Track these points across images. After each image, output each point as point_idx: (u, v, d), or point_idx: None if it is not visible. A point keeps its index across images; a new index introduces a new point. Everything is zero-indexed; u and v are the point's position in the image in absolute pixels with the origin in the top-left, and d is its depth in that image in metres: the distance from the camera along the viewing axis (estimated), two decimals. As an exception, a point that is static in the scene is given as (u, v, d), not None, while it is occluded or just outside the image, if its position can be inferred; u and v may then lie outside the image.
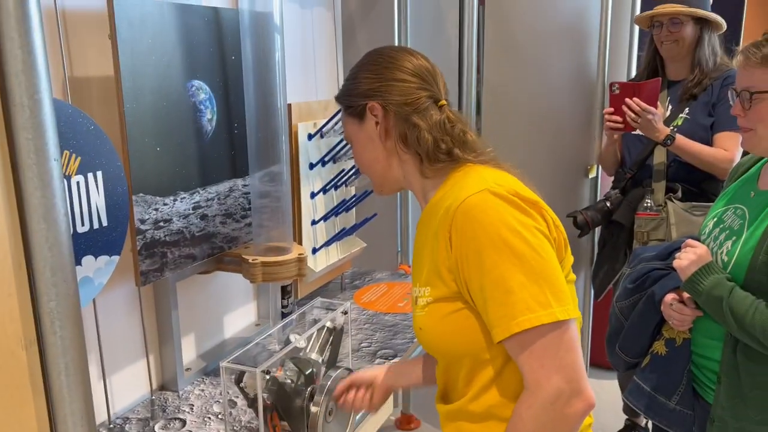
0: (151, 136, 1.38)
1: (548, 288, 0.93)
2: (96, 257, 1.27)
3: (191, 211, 1.51)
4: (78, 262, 1.23)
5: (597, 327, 2.84)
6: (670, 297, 1.45)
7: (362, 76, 1.10)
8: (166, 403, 1.56)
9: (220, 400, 1.56)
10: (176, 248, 1.48)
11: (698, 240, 1.49)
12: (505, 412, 1.01)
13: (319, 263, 2.02)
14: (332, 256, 2.09)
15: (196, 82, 1.49)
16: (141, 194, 1.36)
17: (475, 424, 1.05)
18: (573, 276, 1.09)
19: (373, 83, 1.08)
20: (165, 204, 1.43)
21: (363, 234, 2.23)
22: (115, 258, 1.31)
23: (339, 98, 1.15)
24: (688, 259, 1.39)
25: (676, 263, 1.42)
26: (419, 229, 1.11)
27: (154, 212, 1.40)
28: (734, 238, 1.40)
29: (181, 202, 1.48)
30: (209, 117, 1.54)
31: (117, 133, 1.32)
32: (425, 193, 1.11)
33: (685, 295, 1.43)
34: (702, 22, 2.13)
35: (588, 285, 2.55)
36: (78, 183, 1.22)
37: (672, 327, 1.49)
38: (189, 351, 1.72)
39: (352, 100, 1.11)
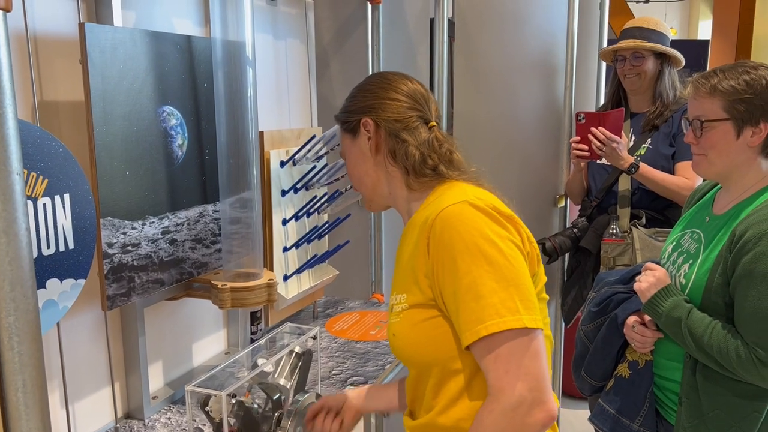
0: (121, 160, 1.39)
1: (518, 296, 0.97)
2: (61, 280, 1.26)
3: (160, 236, 1.51)
4: (42, 285, 1.22)
5: (569, 355, 2.85)
6: (632, 319, 1.48)
7: (359, 95, 1.18)
8: (131, 431, 1.53)
9: (187, 428, 1.53)
10: (144, 273, 1.47)
11: (659, 264, 1.53)
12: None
13: (291, 290, 2.02)
14: (304, 283, 2.10)
15: (168, 108, 1.51)
16: (109, 218, 1.36)
17: None
18: (546, 296, 1.12)
19: (367, 101, 1.16)
20: (133, 228, 1.43)
21: (336, 263, 2.24)
22: (81, 281, 1.31)
23: (337, 116, 1.23)
24: (648, 281, 1.42)
25: (636, 286, 1.45)
26: (401, 242, 1.16)
27: (122, 236, 1.40)
28: (691, 261, 1.44)
29: (150, 226, 1.48)
30: (180, 142, 1.56)
31: (86, 157, 1.33)
32: (409, 206, 1.16)
33: (647, 317, 1.47)
34: (662, 57, 2.22)
35: (559, 312, 2.57)
36: (44, 205, 1.22)
37: (635, 349, 1.51)
38: (156, 379, 1.70)
39: (348, 116, 1.18)
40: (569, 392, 3.19)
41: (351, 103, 1.19)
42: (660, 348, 1.49)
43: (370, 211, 1.24)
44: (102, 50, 1.32)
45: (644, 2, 13.75)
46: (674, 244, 1.52)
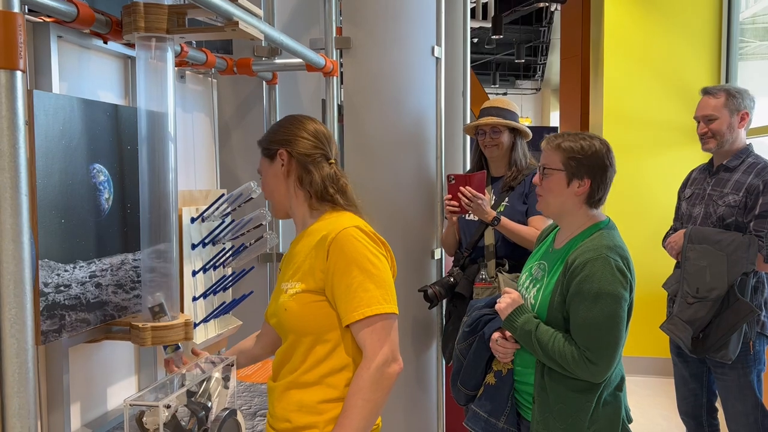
0: (58, 209, 1.56)
1: (389, 293, 1.42)
2: (3, 314, 1.40)
3: (88, 279, 1.67)
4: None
5: (450, 396, 3.12)
6: (495, 335, 1.83)
7: (279, 130, 1.58)
8: (51, 467, 1.62)
9: (108, 460, 1.65)
10: (74, 312, 1.62)
11: (516, 290, 1.90)
12: (332, 381, 1.43)
13: (199, 337, 2.18)
14: (211, 331, 2.27)
15: (97, 166, 1.71)
16: (46, 260, 1.52)
17: (305, 390, 1.44)
18: None
19: (284, 136, 1.54)
20: (65, 270, 1.59)
21: (240, 315, 2.43)
22: (20, 316, 1.44)
23: (261, 142, 1.61)
24: (505, 302, 1.79)
25: (497, 306, 1.81)
26: (296, 244, 1.54)
27: (56, 277, 1.56)
28: (538, 285, 1.82)
29: (80, 270, 1.64)
30: (107, 197, 1.75)
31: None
32: (304, 221, 1.55)
33: (507, 333, 1.81)
34: (515, 132, 2.71)
35: (439, 352, 2.88)
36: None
37: (499, 360, 1.85)
38: (74, 419, 1.79)
39: (269, 144, 1.57)
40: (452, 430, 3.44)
41: (271, 136, 1.59)
42: (518, 359, 1.83)
43: (276, 218, 1.67)
44: (46, 113, 1.52)
45: (503, 94, 15.26)
46: (527, 273, 1.91)
